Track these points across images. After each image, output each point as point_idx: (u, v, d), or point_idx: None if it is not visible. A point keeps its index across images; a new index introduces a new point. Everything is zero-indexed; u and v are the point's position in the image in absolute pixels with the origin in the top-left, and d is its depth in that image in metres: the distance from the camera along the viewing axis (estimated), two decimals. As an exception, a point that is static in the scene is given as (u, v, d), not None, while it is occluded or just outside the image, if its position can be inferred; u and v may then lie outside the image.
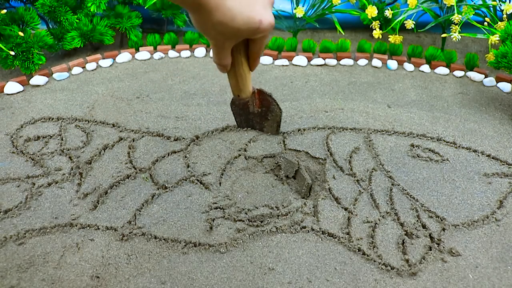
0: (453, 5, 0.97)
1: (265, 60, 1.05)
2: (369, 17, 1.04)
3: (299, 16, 1.04)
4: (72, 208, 0.62)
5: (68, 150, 0.73)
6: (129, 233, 0.58)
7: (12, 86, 0.91)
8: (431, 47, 1.06)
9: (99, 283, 0.52)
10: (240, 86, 0.68)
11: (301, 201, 0.64)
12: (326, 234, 0.59)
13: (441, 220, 0.61)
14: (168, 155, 0.72)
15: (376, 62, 1.05)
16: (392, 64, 1.05)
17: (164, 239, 0.58)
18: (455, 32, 0.97)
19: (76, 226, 0.59)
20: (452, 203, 0.64)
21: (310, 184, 0.67)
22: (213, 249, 0.57)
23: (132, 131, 0.78)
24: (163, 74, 0.99)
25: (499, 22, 0.94)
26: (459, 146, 0.75)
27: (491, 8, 0.99)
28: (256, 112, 0.74)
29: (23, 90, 0.92)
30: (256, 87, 0.71)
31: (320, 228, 0.59)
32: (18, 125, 0.79)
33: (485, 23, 0.96)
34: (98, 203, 0.63)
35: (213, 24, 0.51)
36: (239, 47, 0.61)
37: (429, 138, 0.77)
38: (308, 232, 0.59)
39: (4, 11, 0.95)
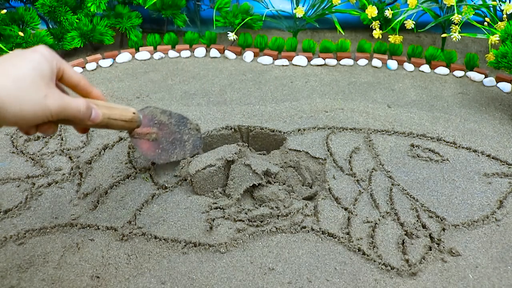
0: (453, 5, 0.97)
1: (265, 60, 1.05)
2: (369, 17, 1.04)
3: (299, 16, 1.04)
4: (72, 208, 0.62)
5: (68, 150, 0.73)
6: (129, 233, 0.58)
7: (12, 86, 0.91)
8: (431, 47, 1.06)
9: (99, 283, 0.52)
10: (120, 123, 0.55)
11: (302, 203, 0.64)
12: (326, 234, 0.59)
13: (441, 220, 0.61)
14: (168, 155, 0.72)
15: (376, 62, 1.05)
16: (392, 64, 1.05)
17: (164, 239, 0.58)
18: (455, 32, 0.97)
19: (76, 226, 0.59)
20: (452, 203, 0.64)
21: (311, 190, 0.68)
22: (213, 249, 0.57)
23: (132, 131, 0.78)
24: (163, 74, 0.99)
25: (499, 22, 0.94)
26: (459, 146, 0.75)
27: (491, 8, 0.99)
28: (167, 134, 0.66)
29: (23, 90, 0.92)
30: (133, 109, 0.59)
31: (320, 228, 0.59)
32: (18, 125, 0.79)
33: (485, 23, 0.96)
34: (98, 203, 0.63)
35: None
36: None
37: (429, 138, 0.77)
38: (308, 232, 0.59)
39: (4, 11, 0.95)
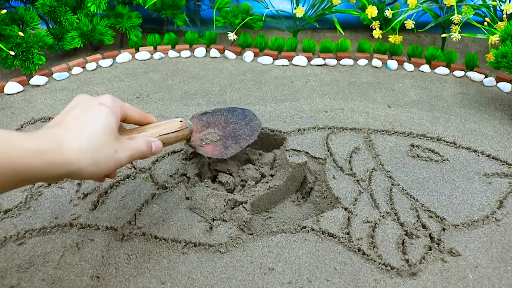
0: (453, 5, 0.97)
1: (265, 60, 1.05)
2: (369, 17, 1.04)
3: (299, 16, 1.04)
4: (72, 208, 0.62)
5: (68, 150, 0.73)
6: (129, 233, 0.58)
7: (12, 86, 0.91)
8: (431, 47, 1.06)
9: (99, 283, 0.52)
10: (172, 135, 0.57)
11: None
12: (326, 234, 0.59)
13: (441, 220, 0.61)
14: (168, 155, 0.72)
15: (376, 62, 1.05)
16: (392, 64, 1.05)
17: (164, 239, 0.58)
18: (455, 32, 0.97)
19: (76, 226, 0.59)
20: (452, 203, 0.64)
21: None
22: (213, 249, 0.57)
23: (132, 131, 0.78)
24: (163, 74, 0.99)
25: (499, 22, 0.94)
26: (459, 146, 0.75)
27: (491, 8, 0.99)
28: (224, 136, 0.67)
29: (23, 90, 0.92)
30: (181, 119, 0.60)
31: (320, 228, 0.59)
32: (18, 125, 0.79)
33: (485, 23, 0.96)
34: (98, 203, 0.63)
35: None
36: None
37: (429, 138, 0.77)
38: (308, 232, 0.59)
39: (4, 11, 0.95)
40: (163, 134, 0.55)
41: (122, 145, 0.46)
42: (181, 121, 0.59)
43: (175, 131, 0.57)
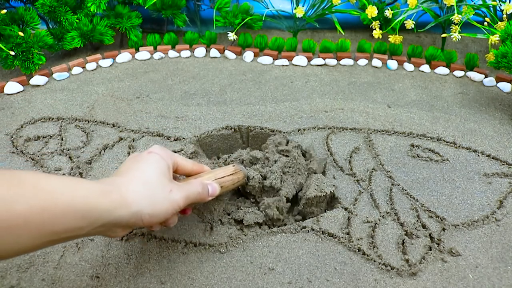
0: (453, 5, 0.97)
1: (265, 60, 1.05)
2: (369, 17, 1.04)
3: (299, 16, 1.04)
4: (72, 208, 0.62)
5: (68, 150, 0.73)
6: (129, 233, 0.58)
7: (12, 86, 0.91)
8: (431, 47, 1.06)
9: (99, 283, 0.52)
10: (228, 178, 0.58)
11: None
12: (326, 234, 0.59)
13: (441, 220, 0.61)
14: (168, 155, 0.72)
15: (376, 62, 1.05)
16: (392, 64, 1.05)
17: (164, 239, 0.58)
18: (455, 32, 0.97)
19: (76, 226, 0.59)
20: (452, 203, 0.64)
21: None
22: (213, 249, 0.57)
23: (132, 131, 0.78)
24: (163, 74, 0.99)
25: (499, 22, 0.94)
26: (459, 146, 0.75)
27: (491, 8, 0.99)
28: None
29: (23, 90, 0.92)
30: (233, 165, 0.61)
31: (320, 228, 0.59)
32: (18, 125, 0.79)
33: (485, 23, 0.96)
34: (98, 203, 0.63)
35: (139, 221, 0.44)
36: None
37: (429, 138, 0.77)
38: (308, 232, 0.59)
39: (4, 11, 0.95)
40: (219, 178, 0.56)
41: (177, 186, 0.47)
42: (233, 165, 0.60)
43: (230, 174, 0.58)
